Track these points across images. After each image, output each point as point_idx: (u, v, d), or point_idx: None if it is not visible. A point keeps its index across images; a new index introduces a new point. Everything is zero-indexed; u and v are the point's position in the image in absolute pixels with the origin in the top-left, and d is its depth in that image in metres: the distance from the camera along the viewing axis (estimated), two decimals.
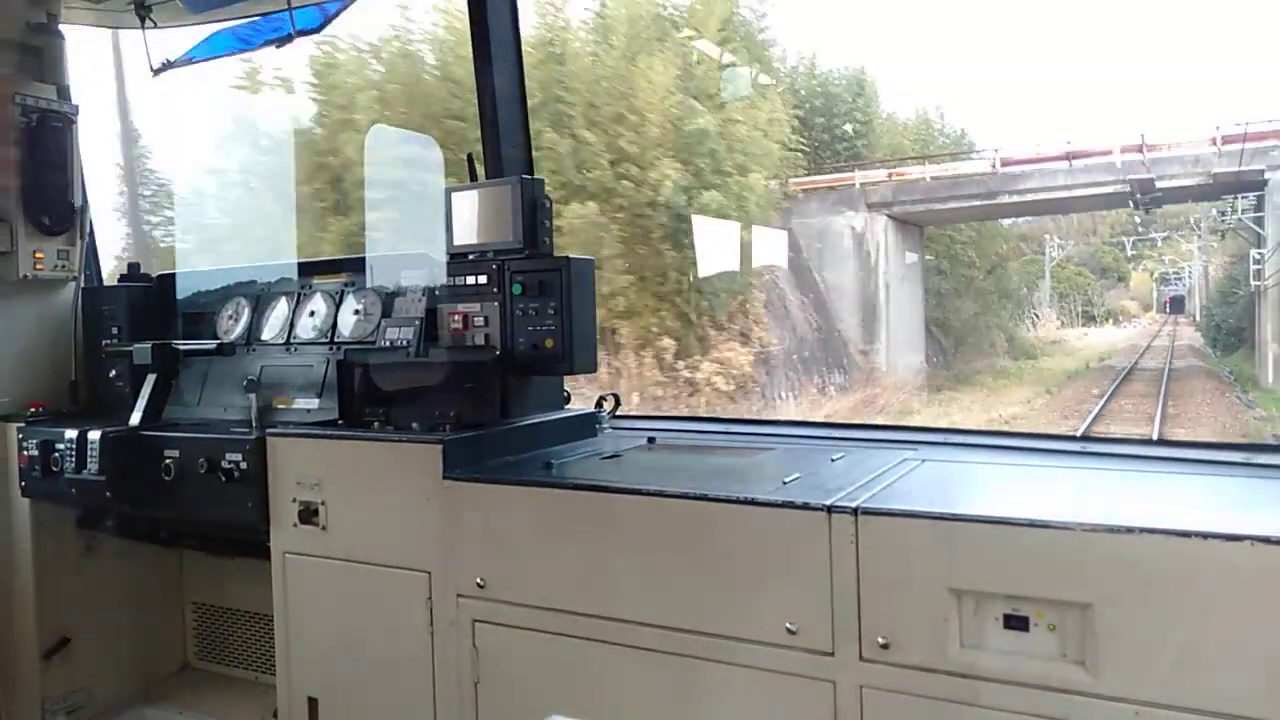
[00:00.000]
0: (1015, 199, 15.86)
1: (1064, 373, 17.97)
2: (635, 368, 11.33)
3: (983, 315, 19.03)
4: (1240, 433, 12.81)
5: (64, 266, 3.23)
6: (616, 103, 11.34)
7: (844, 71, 17.54)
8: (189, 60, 3.36)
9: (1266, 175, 12.32)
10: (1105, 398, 14.95)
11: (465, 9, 2.97)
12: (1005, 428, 13.47)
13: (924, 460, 2.28)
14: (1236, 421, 13.17)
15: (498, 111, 2.95)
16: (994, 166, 15.04)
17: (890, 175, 14.87)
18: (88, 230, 3.35)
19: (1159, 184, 14.80)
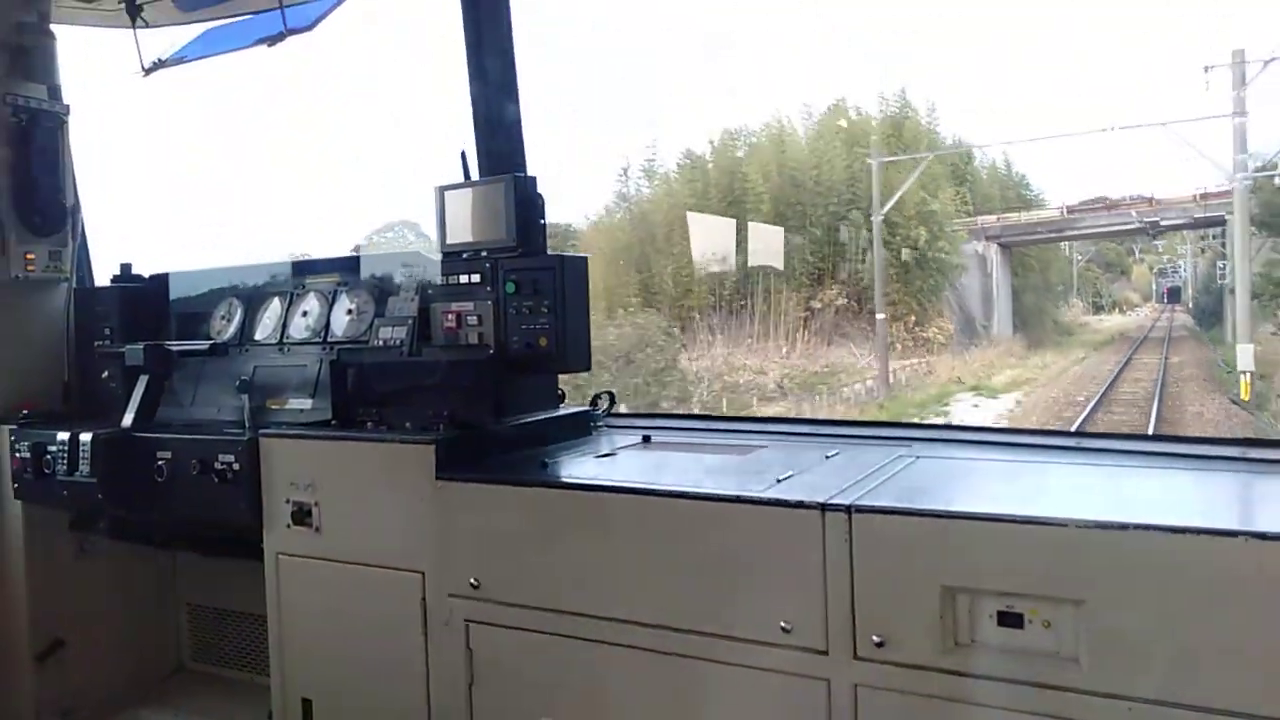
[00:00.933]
0: (1074, 233, 25.58)
1: (1098, 341, 26.76)
2: (894, 331, 19.26)
3: (1037, 303, 26.99)
4: (1200, 358, 21.17)
5: (55, 267, 3.22)
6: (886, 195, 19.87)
7: (953, 144, 24.65)
8: (180, 59, 3.34)
9: (1226, 218, 18.63)
10: (1134, 348, 24.46)
11: None
12: (1074, 374, 20.30)
13: (918, 457, 2.27)
14: (1204, 355, 21.73)
15: (491, 109, 2.94)
16: (1062, 214, 24.31)
17: (998, 219, 23.88)
18: (79, 231, 3.33)
19: (1162, 223, 23.66)
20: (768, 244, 19.15)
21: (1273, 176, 14.75)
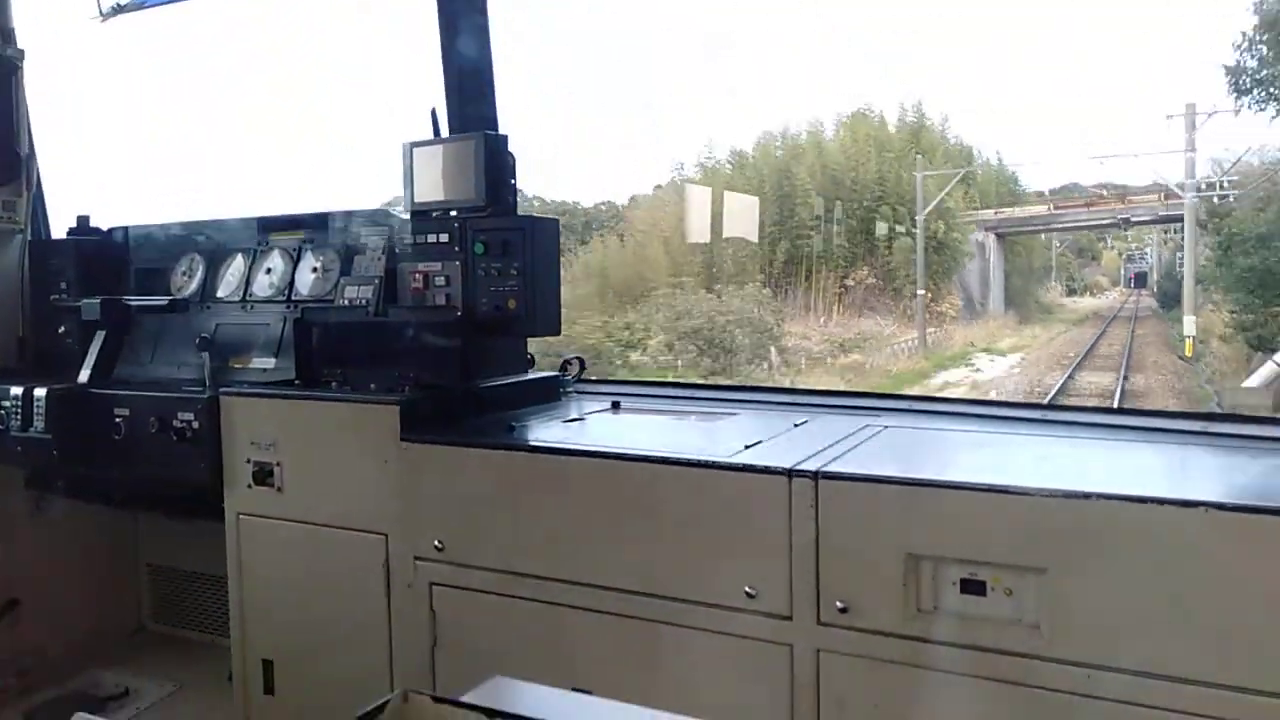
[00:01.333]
0: (1059, 226, 30.72)
1: (1075, 319, 31.34)
2: (913, 306, 22.68)
3: (1024, 286, 31.52)
4: (1160, 331, 24.90)
5: (9, 218, 3.12)
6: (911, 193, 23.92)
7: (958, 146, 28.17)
8: (140, 5, 3.23)
9: (1184, 215, 21.62)
10: (1107, 323, 28.74)
11: None
12: (1060, 341, 24.36)
13: (886, 427, 2.27)
14: (1164, 330, 25.21)
15: (462, 62, 2.87)
16: (1049, 209, 28.61)
17: (996, 212, 27.75)
18: (34, 181, 3.23)
19: (1133, 220, 28.20)
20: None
21: (1212, 196, 19.56)
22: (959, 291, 25.34)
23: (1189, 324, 18.62)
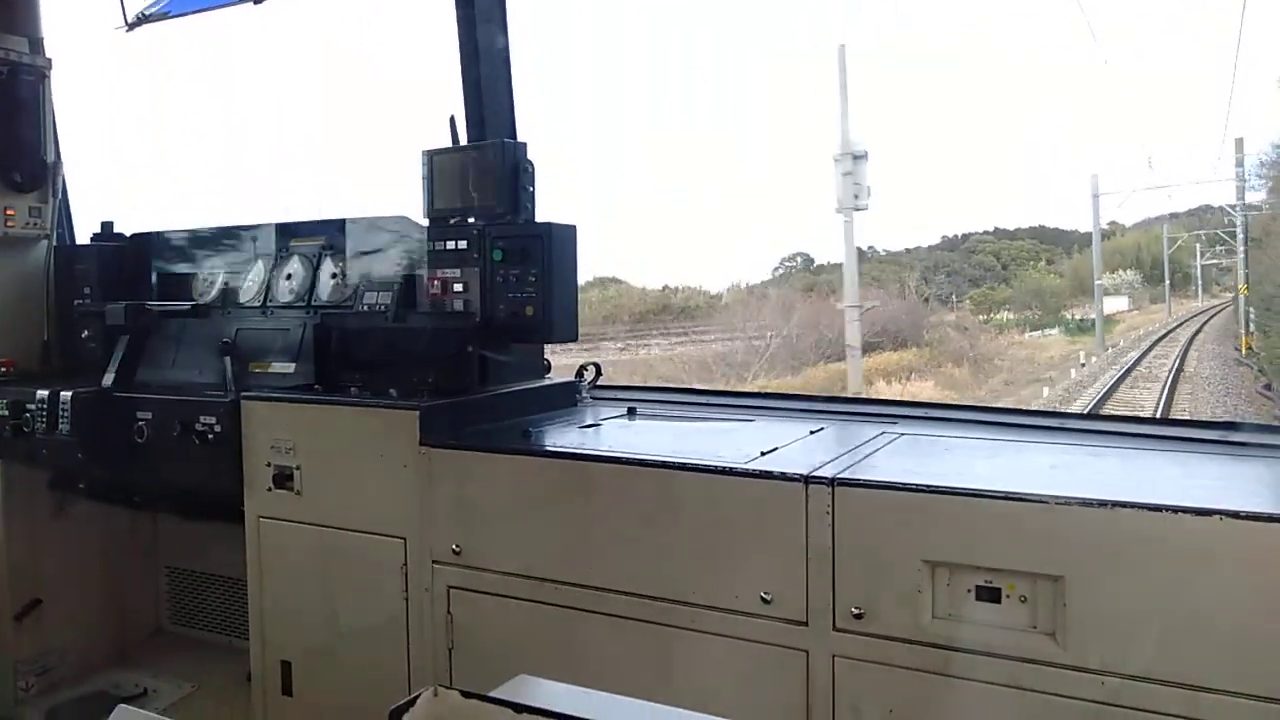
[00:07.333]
0: (1216, 264, 43.17)
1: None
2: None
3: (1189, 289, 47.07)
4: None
5: (36, 224, 3.17)
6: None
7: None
8: (164, 15, 3.28)
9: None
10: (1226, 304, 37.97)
11: None
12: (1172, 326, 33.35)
13: (902, 434, 2.28)
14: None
15: (481, 71, 2.90)
16: (1216, 259, 41.17)
17: (1200, 257, 43.24)
18: (60, 187, 3.28)
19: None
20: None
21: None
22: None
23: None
